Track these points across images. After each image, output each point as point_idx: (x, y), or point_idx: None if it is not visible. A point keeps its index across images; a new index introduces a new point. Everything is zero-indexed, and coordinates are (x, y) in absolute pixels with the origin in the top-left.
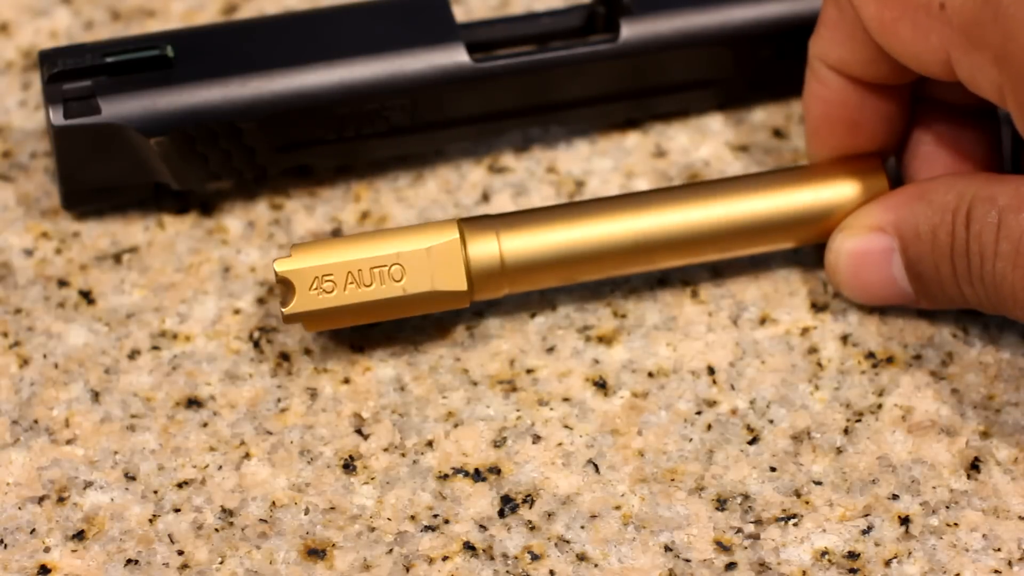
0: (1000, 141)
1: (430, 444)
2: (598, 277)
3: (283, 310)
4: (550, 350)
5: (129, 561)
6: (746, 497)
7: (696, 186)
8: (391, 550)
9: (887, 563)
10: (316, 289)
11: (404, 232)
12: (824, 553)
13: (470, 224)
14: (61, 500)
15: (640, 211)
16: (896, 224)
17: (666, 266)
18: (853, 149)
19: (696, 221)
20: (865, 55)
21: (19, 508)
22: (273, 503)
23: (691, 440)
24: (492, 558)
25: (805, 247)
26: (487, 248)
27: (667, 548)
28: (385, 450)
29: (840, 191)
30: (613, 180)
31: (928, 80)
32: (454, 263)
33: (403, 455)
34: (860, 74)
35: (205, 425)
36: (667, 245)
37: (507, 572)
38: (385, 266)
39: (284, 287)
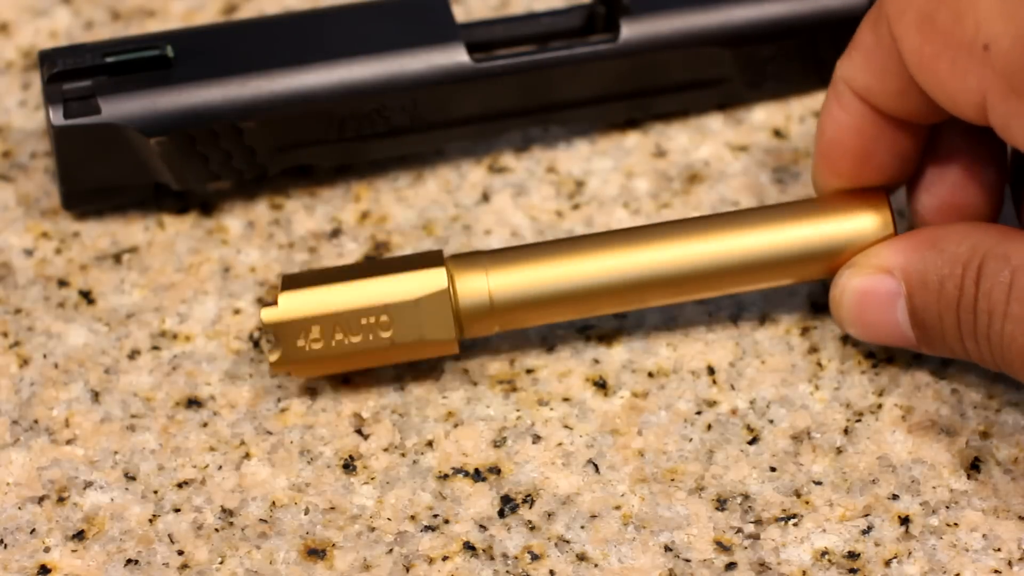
0: (1006, 160)
1: (430, 444)
2: (591, 315)
3: (269, 360)
4: (550, 350)
5: (129, 561)
6: (746, 497)
7: (688, 222)
8: (391, 550)
9: (887, 563)
10: (303, 340)
11: (393, 278)
12: (824, 553)
13: (458, 262)
14: (61, 500)
15: (633, 248)
16: (904, 269)
17: (660, 304)
18: (859, 179)
19: (689, 259)
20: (895, 86)
21: (19, 508)
22: (273, 503)
23: (691, 440)
24: (492, 558)
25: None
26: (476, 286)
27: (667, 548)
28: (385, 450)
29: (842, 227)
30: (613, 180)
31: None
32: (442, 313)
33: (403, 455)
34: (885, 105)
35: (205, 425)
36: (660, 283)
37: (507, 572)
38: (373, 317)
39: (272, 333)
